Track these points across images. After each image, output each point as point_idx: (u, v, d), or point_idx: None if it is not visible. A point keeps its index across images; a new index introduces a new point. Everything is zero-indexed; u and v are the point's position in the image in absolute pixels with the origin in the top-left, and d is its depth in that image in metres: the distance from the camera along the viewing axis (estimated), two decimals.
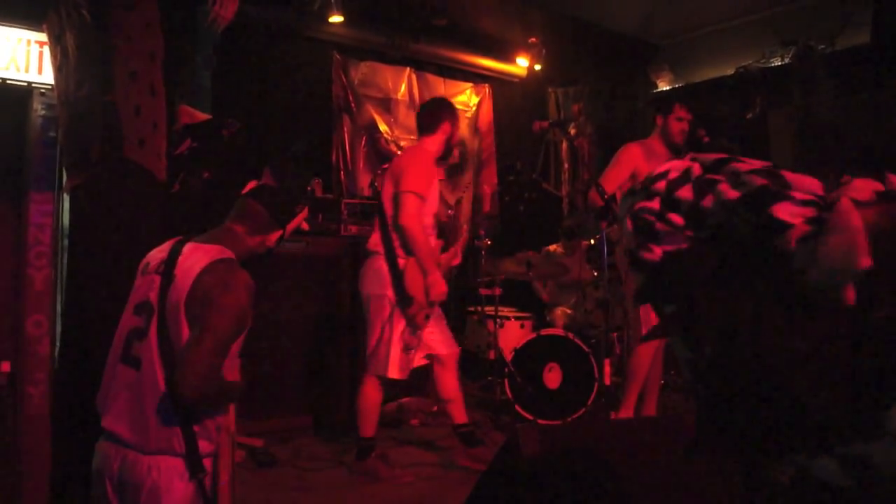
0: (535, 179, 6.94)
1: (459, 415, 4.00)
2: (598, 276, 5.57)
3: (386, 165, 6.16)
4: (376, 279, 3.80)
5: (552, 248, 6.19)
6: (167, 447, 2.12)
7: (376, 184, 5.71)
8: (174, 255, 2.26)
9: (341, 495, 3.62)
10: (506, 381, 4.95)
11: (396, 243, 3.78)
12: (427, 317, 3.80)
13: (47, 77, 3.51)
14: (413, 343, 3.79)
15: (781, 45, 6.22)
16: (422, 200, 3.74)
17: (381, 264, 3.79)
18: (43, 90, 3.56)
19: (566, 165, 7.29)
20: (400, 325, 3.74)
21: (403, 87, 6.48)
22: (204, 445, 2.18)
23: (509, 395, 4.96)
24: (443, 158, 4.08)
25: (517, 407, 4.96)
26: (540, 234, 6.42)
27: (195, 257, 2.23)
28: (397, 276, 3.73)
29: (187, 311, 2.14)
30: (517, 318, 5.54)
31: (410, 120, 6.46)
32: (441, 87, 6.74)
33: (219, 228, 2.43)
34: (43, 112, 3.58)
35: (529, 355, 5.03)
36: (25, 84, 3.55)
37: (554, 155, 7.36)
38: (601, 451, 1.67)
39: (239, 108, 5.08)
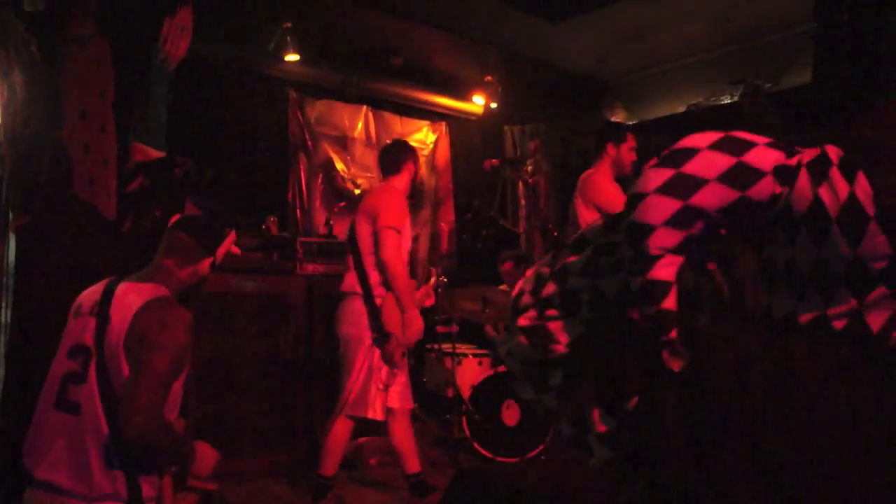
0: (492, 216, 6.97)
1: (411, 465, 3.96)
2: None
3: (343, 203, 6.18)
4: (353, 319, 3.80)
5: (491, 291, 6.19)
6: (111, 492, 2.07)
7: (331, 222, 5.69)
8: (108, 295, 2.23)
9: None
10: (464, 418, 4.92)
11: (373, 281, 3.79)
12: (404, 355, 3.80)
13: None
14: (391, 382, 3.78)
15: (730, 83, 6.38)
16: (400, 236, 3.78)
17: (359, 304, 3.79)
18: None
19: (523, 202, 7.34)
20: (377, 365, 3.74)
21: (360, 126, 6.49)
22: (147, 490, 2.13)
23: (467, 432, 4.92)
24: (410, 197, 4.10)
25: (475, 444, 4.92)
26: (497, 270, 6.43)
27: (130, 297, 2.20)
28: (374, 314, 3.74)
29: (127, 353, 2.12)
30: (475, 356, 5.51)
31: (367, 158, 6.46)
32: (398, 125, 6.77)
33: (150, 266, 2.41)
34: None
35: (487, 392, 5.01)
36: None
37: (511, 192, 7.41)
38: (543, 493, 1.65)
39: (194, 145, 5.04)
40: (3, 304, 3.59)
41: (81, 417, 2.11)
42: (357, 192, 6.32)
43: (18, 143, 3.22)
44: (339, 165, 6.30)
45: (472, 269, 6.63)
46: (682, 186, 1.41)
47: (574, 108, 7.62)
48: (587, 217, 4.24)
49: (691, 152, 1.44)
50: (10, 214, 3.41)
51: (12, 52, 3.13)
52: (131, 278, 2.33)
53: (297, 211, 6.03)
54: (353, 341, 3.80)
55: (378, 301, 3.76)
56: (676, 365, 1.43)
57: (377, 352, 3.75)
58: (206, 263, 2.43)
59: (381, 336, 3.73)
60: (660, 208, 1.42)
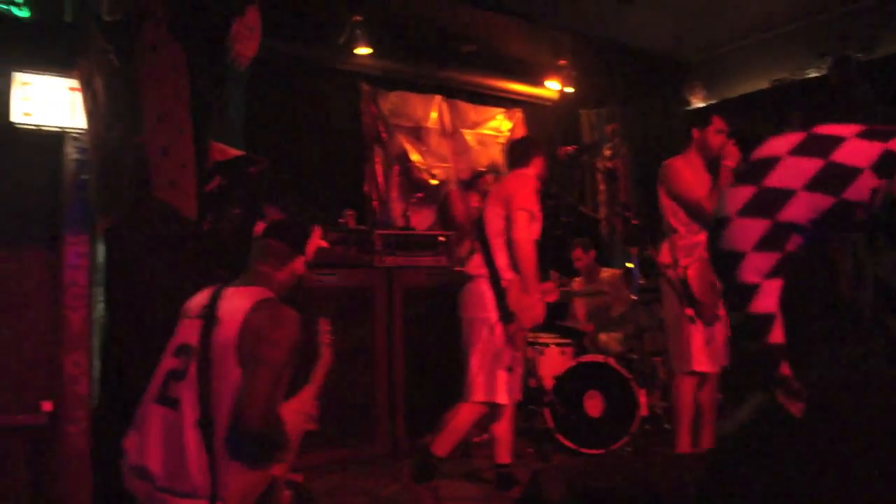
0: (572, 203, 6.86)
1: (503, 455, 3.98)
2: (639, 301, 5.47)
3: (419, 194, 6.18)
4: (479, 302, 3.86)
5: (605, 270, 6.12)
6: (200, 485, 2.20)
7: (408, 213, 5.71)
8: (215, 299, 2.41)
9: None
10: (546, 409, 4.87)
11: (500, 263, 3.84)
12: (525, 339, 3.83)
13: (80, 121, 3.57)
14: (515, 364, 3.81)
15: (817, 55, 6.10)
16: (532, 219, 3.83)
17: (484, 287, 3.85)
18: (75, 134, 3.63)
19: (602, 187, 7.22)
20: (502, 347, 3.77)
21: (434, 115, 6.49)
22: (234, 484, 2.25)
23: (550, 423, 4.87)
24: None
25: (558, 436, 4.86)
26: (569, 257, 6.33)
27: (237, 300, 2.37)
28: (501, 295, 3.78)
29: (238, 351, 2.27)
30: (557, 345, 5.44)
31: (442, 147, 6.46)
32: (472, 113, 6.74)
33: (249, 273, 2.57)
34: (76, 156, 3.63)
35: (570, 383, 4.94)
36: (59, 129, 3.61)
37: (589, 177, 7.29)
38: (624, 493, 1.60)
39: (270, 143, 5.12)
40: (96, 302, 3.73)
41: (179, 412, 2.26)
42: (433, 182, 6.32)
43: (102, 148, 3.32)
44: (415, 156, 6.31)
45: (552, 257, 6.55)
46: (768, 203, 1.30)
47: (652, 90, 7.44)
48: (667, 205, 4.11)
49: (771, 162, 1.32)
50: (98, 216, 3.54)
51: (93, 60, 3.23)
52: (235, 284, 2.49)
53: (374, 203, 6.07)
54: (476, 322, 3.85)
55: (504, 283, 3.80)
56: (797, 409, 1.30)
57: (499, 334, 3.78)
58: (299, 262, 2.61)
59: (507, 316, 3.75)
60: (747, 232, 1.30)
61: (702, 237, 3.94)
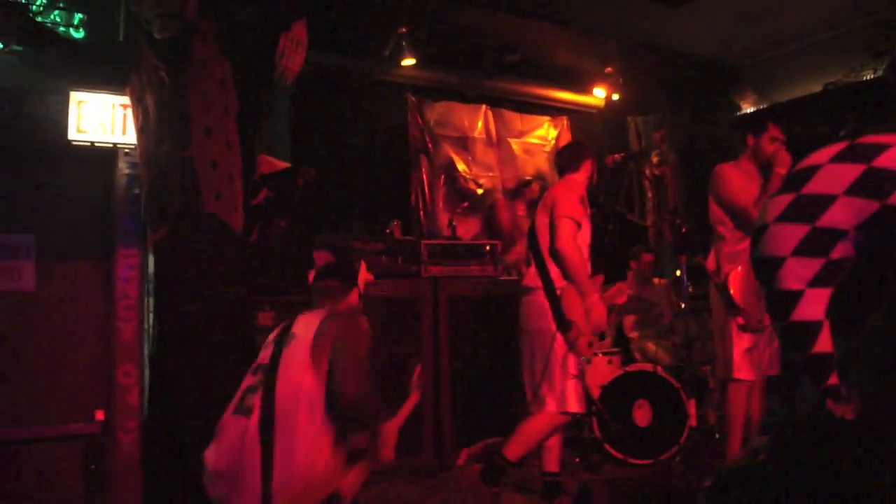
0: (619, 211, 6.80)
1: (550, 463, 3.95)
2: (685, 309, 5.40)
3: (465, 204, 6.19)
4: (537, 313, 3.82)
5: (625, 289, 6.04)
6: (254, 485, 2.43)
7: (454, 223, 5.72)
8: (287, 325, 2.76)
9: None
10: (594, 419, 4.82)
11: (553, 273, 3.79)
12: (590, 344, 3.77)
13: (131, 137, 3.66)
14: (580, 371, 3.79)
15: (872, 57, 5.95)
16: (577, 226, 3.77)
17: (541, 297, 3.81)
18: (127, 150, 3.72)
19: (650, 195, 7.14)
20: (566, 356, 3.73)
21: (480, 125, 6.49)
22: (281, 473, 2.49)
23: (598, 433, 4.82)
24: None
25: (606, 446, 4.81)
26: (625, 265, 6.27)
27: (309, 318, 2.71)
28: (556, 304, 3.74)
29: (312, 356, 2.55)
30: (605, 354, 5.39)
31: (488, 157, 6.46)
32: (518, 122, 6.73)
33: (314, 311, 2.82)
34: (128, 171, 3.73)
35: (618, 392, 4.89)
36: (111, 145, 3.71)
37: (637, 184, 7.21)
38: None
39: (317, 155, 5.19)
40: (147, 312, 3.82)
41: (251, 418, 2.52)
42: (479, 191, 6.32)
43: (152, 163, 3.39)
44: (461, 166, 6.32)
45: (599, 265, 6.49)
46: (807, 208, 1.27)
47: (700, 95, 7.34)
48: (715, 212, 4.06)
49: (811, 171, 1.30)
50: (148, 230, 3.62)
51: (144, 77, 3.31)
52: (304, 313, 2.81)
53: (420, 213, 6.09)
54: (537, 333, 3.82)
55: (558, 292, 3.75)
56: (849, 413, 1.27)
57: (561, 342, 3.73)
58: (354, 295, 2.99)
59: (563, 324, 3.71)
60: (784, 237, 1.28)
61: (746, 244, 3.88)
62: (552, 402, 3.72)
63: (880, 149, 1.28)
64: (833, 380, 1.30)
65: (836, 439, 1.29)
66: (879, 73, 5.88)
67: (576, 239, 3.77)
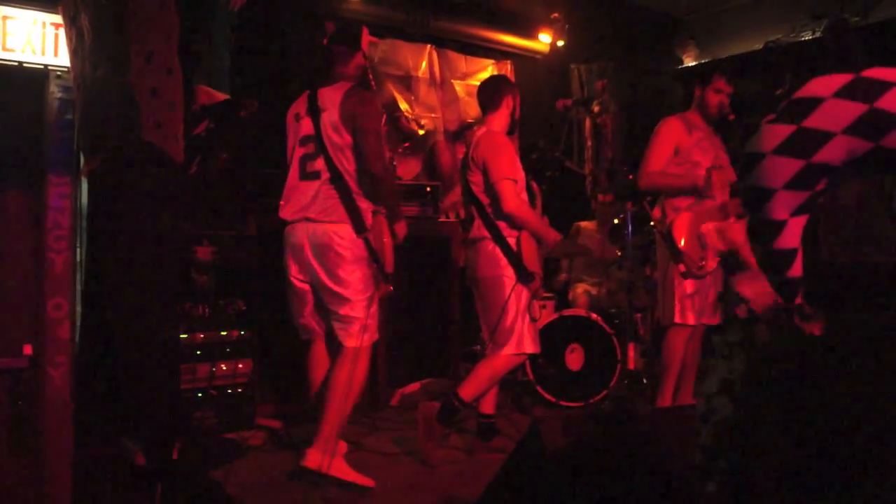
0: (559, 158, 6.83)
1: (487, 405, 4.03)
2: (621, 256, 5.50)
3: (407, 144, 6.12)
4: (490, 261, 3.86)
5: (582, 224, 6.11)
6: (340, 218, 3.36)
7: (394, 163, 5.65)
8: (312, 98, 3.48)
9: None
10: (527, 361, 4.90)
11: (503, 227, 3.84)
12: (542, 286, 3.99)
13: (63, 60, 3.47)
14: (536, 314, 3.91)
15: (812, 18, 6.05)
16: (516, 183, 3.81)
17: (490, 246, 3.86)
18: (59, 73, 3.52)
19: (589, 143, 7.18)
20: (524, 300, 3.82)
21: (424, 65, 6.40)
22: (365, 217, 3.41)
23: (531, 376, 4.92)
24: (509, 133, 4.09)
25: (539, 388, 4.92)
26: (563, 213, 6.32)
27: (330, 93, 3.44)
28: (514, 256, 3.81)
29: (344, 122, 3.35)
30: (539, 299, 5.46)
31: (431, 98, 6.39)
32: (462, 64, 6.65)
33: (331, 79, 3.54)
34: (59, 95, 3.53)
35: (551, 336, 4.98)
36: (42, 67, 3.52)
37: (577, 133, 7.25)
38: (623, 442, 1.61)
39: (257, 87, 5.03)
40: (78, 246, 3.68)
41: (321, 179, 3.40)
42: (421, 132, 6.26)
43: (87, 88, 3.24)
44: (403, 105, 6.24)
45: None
46: (804, 143, 1.29)
47: (643, 46, 7.37)
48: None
49: (814, 102, 1.31)
50: (82, 158, 3.47)
51: None
52: (325, 84, 3.51)
53: None
54: (492, 280, 3.86)
55: (512, 242, 3.82)
56: (817, 328, 1.31)
57: (521, 288, 3.81)
58: (360, 57, 3.58)
59: (526, 275, 3.79)
60: (779, 170, 1.30)
61: (692, 200, 4.02)
62: (510, 344, 3.78)
63: (884, 87, 1.29)
64: (799, 300, 1.35)
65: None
66: (818, 34, 5.99)
67: (519, 195, 3.82)
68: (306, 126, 3.48)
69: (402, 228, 3.59)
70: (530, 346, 3.84)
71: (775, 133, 1.28)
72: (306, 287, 3.54)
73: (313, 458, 3.36)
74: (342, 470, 3.41)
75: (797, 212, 1.28)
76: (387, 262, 3.45)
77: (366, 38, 3.62)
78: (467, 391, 3.77)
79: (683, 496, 1.40)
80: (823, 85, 1.28)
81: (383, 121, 3.50)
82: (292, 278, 3.55)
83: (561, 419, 1.68)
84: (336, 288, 3.41)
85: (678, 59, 7.39)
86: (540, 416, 4.37)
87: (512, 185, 3.78)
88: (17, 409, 3.61)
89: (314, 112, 3.44)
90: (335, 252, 3.38)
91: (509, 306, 3.79)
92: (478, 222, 3.92)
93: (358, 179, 3.44)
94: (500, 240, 3.84)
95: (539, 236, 3.88)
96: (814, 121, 1.25)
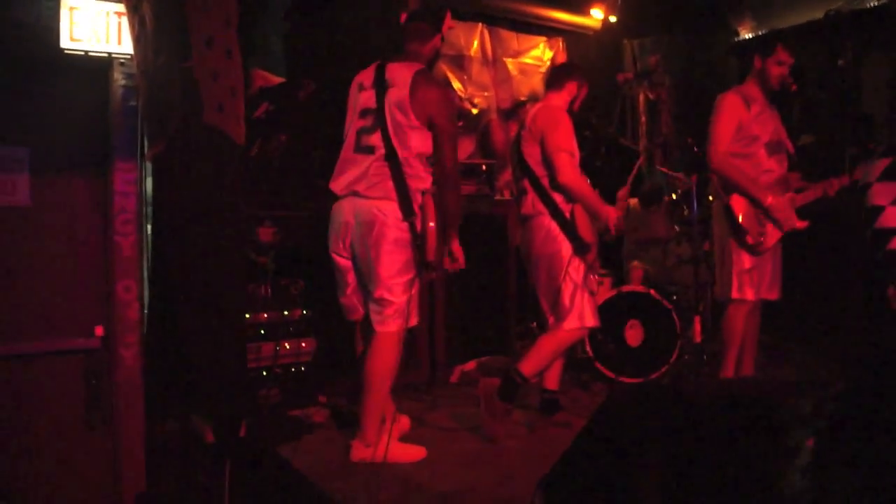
0: (612, 134, 6.76)
1: (551, 381, 4.03)
2: (681, 232, 5.43)
3: (460, 123, 6.10)
4: (546, 237, 3.85)
5: (630, 201, 6.05)
6: (387, 196, 3.25)
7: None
8: (381, 72, 3.35)
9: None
10: (586, 338, 4.89)
11: (559, 199, 3.82)
12: (596, 259, 3.97)
13: (127, 47, 3.55)
14: (594, 287, 3.92)
15: None
16: (572, 156, 3.78)
17: (547, 222, 3.85)
18: (123, 60, 3.61)
19: (643, 119, 7.09)
20: (581, 274, 3.81)
21: (476, 44, 6.38)
22: (416, 197, 3.30)
23: (590, 352, 4.90)
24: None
25: (598, 364, 4.90)
26: (617, 189, 6.26)
27: (400, 68, 3.33)
28: (570, 228, 3.79)
29: (413, 108, 3.24)
30: (598, 275, 5.43)
31: (484, 76, 6.37)
32: (514, 42, 6.61)
33: (403, 52, 3.47)
34: (124, 82, 3.63)
35: (610, 313, 4.94)
36: (106, 55, 3.60)
37: (630, 109, 7.16)
38: (703, 410, 1.60)
39: (312, 70, 5.06)
40: (144, 229, 3.78)
41: (375, 155, 3.28)
42: (475, 111, 6.25)
43: (150, 74, 3.31)
44: (456, 85, 6.22)
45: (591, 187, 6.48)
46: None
47: (698, 20, 7.22)
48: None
49: None
50: (146, 143, 3.55)
51: None
52: (394, 60, 3.40)
53: None
54: (551, 257, 3.84)
55: (567, 215, 3.80)
56: None
57: (578, 262, 3.80)
58: (437, 39, 3.55)
59: (582, 247, 3.78)
60: (883, 192, 1.31)
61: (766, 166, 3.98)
62: (571, 318, 3.78)
63: None
64: None
65: None
66: (882, 1, 5.80)
67: (576, 168, 3.79)
68: (368, 98, 3.35)
69: (456, 247, 3.51)
70: (591, 320, 3.83)
71: (877, 167, 1.30)
72: (348, 264, 3.46)
73: (358, 452, 3.41)
74: (397, 454, 3.42)
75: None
76: (429, 248, 3.31)
77: (448, 22, 3.55)
78: (528, 366, 3.77)
79: (769, 469, 1.38)
80: None
81: (456, 113, 3.43)
82: (335, 255, 3.47)
83: (636, 389, 1.68)
84: (374, 267, 3.30)
85: (734, 31, 7.22)
86: (616, 387, 4.34)
87: (569, 157, 3.74)
88: (91, 388, 3.74)
89: (380, 86, 3.32)
90: (378, 231, 3.26)
91: (568, 281, 3.78)
92: (531, 197, 3.89)
93: (412, 161, 3.31)
94: (556, 212, 3.82)
95: (594, 211, 3.82)
96: None
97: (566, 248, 3.79)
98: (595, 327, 3.92)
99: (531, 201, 3.89)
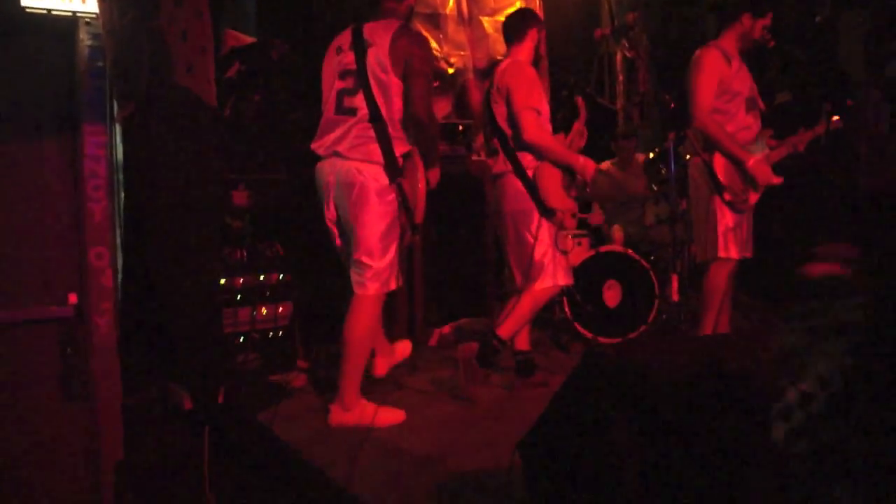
0: (589, 94, 6.70)
1: (521, 342, 4.02)
2: (658, 191, 5.42)
3: (436, 84, 6.02)
4: (515, 195, 3.81)
5: (604, 165, 6.03)
6: (371, 158, 3.20)
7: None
8: (358, 33, 3.30)
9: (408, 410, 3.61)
10: (564, 299, 4.89)
11: (525, 158, 3.77)
12: (574, 215, 3.85)
13: (92, 5, 3.44)
14: (566, 246, 3.86)
15: None
16: (538, 114, 3.72)
17: (515, 180, 3.80)
18: (88, 19, 3.50)
19: (620, 77, 7.04)
20: (551, 234, 3.78)
21: (451, 2, 6.26)
22: (399, 160, 3.25)
23: (568, 313, 4.91)
24: (534, 65, 3.99)
25: (576, 325, 4.91)
26: (595, 149, 6.22)
27: (378, 28, 3.29)
28: (532, 188, 3.75)
29: (392, 64, 3.20)
30: (574, 236, 5.41)
31: (460, 35, 6.26)
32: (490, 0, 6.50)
33: (377, 10, 3.41)
34: (90, 42, 3.52)
35: (588, 273, 4.95)
36: (70, 14, 3.49)
37: (608, 67, 7.09)
38: (681, 365, 1.60)
39: (284, 30, 4.96)
40: (116, 194, 3.71)
41: (358, 116, 3.23)
42: (451, 70, 6.16)
43: (117, 33, 3.22)
44: (432, 44, 6.11)
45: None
46: None
47: None
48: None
49: None
50: (115, 105, 3.47)
51: None
52: (370, 20, 3.36)
53: None
54: (518, 214, 3.82)
55: (530, 174, 3.75)
56: None
57: (545, 220, 3.76)
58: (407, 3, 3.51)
59: (546, 211, 3.74)
60: None
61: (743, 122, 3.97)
62: (544, 277, 3.77)
63: None
64: None
65: None
66: None
67: (541, 125, 3.74)
68: (348, 59, 3.31)
69: (435, 175, 3.49)
70: (563, 278, 3.82)
71: None
72: (334, 228, 3.46)
73: (337, 416, 3.40)
74: (374, 417, 3.41)
75: None
76: (418, 210, 3.34)
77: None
78: (505, 329, 3.77)
79: (753, 424, 1.37)
80: None
81: (432, 61, 3.38)
82: (326, 220, 3.46)
83: (616, 346, 1.67)
84: (355, 229, 3.29)
85: None
86: (595, 345, 4.37)
87: (533, 114, 3.69)
88: (67, 358, 3.69)
89: (359, 46, 3.27)
90: (357, 192, 3.24)
91: (539, 240, 3.76)
92: (501, 156, 3.86)
93: (396, 122, 3.30)
94: (519, 171, 3.77)
95: (568, 165, 3.76)
96: None
97: (534, 207, 3.76)
98: (568, 285, 3.92)
99: (501, 160, 3.86)
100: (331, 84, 3.38)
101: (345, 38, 3.39)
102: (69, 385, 3.73)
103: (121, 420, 3.70)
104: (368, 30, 3.31)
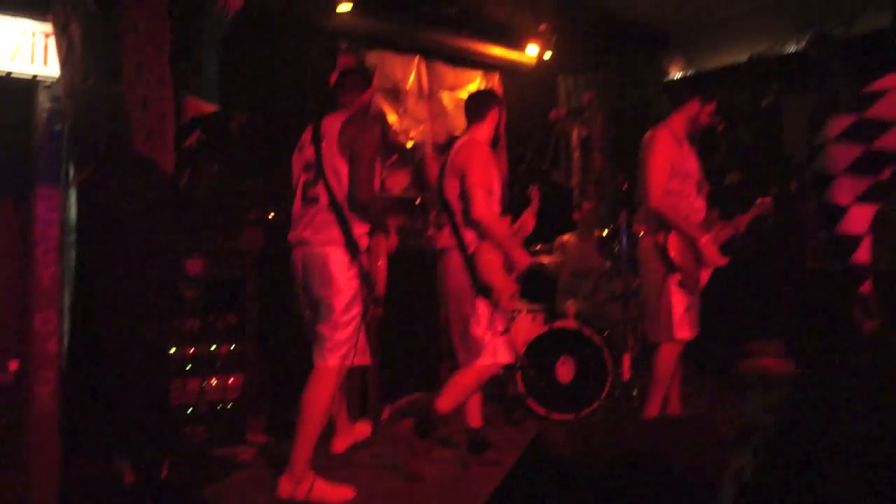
0: (546, 171, 6.84)
1: (473, 418, 4.02)
2: (612, 267, 5.49)
3: (395, 157, 6.10)
4: (457, 273, 3.84)
5: (565, 237, 6.11)
6: (331, 241, 3.41)
7: (383, 176, 5.64)
8: (317, 128, 3.56)
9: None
10: (518, 374, 4.89)
11: (467, 237, 3.81)
12: (511, 296, 3.86)
13: (53, 69, 3.43)
14: (508, 326, 3.88)
15: (796, 30, 6.11)
16: (489, 193, 3.77)
17: (457, 256, 3.84)
18: (48, 83, 3.49)
19: (576, 155, 7.20)
20: (493, 314, 3.78)
21: (412, 77, 6.39)
22: (360, 238, 3.47)
23: (521, 388, 4.90)
24: (492, 145, 4.06)
25: (529, 401, 4.89)
26: (549, 226, 6.31)
27: (333, 121, 3.52)
28: (470, 265, 3.77)
29: (341, 152, 3.43)
30: (529, 311, 5.45)
31: (420, 110, 6.37)
32: (451, 76, 6.64)
33: (336, 105, 3.67)
34: (49, 105, 3.51)
35: (542, 348, 4.96)
36: (31, 77, 3.48)
37: (564, 144, 7.25)
38: (633, 450, 1.60)
39: (246, 100, 4.98)
40: (67, 259, 3.63)
41: (318, 205, 3.46)
42: (409, 144, 6.24)
43: (77, 97, 3.21)
44: (392, 118, 6.21)
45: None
46: (865, 130, 1.31)
47: (630, 58, 7.40)
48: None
49: (877, 95, 1.34)
50: (72, 169, 3.43)
51: (69, 5, 3.11)
52: (328, 115, 3.60)
53: None
54: (460, 291, 3.83)
55: (470, 251, 3.78)
56: (869, 325, 1.31)
57: (481, 299, 3.77)
58: (368, 93, 3.77)
59: (483, 290, 3.75)
60: (840, 156, 1.32)
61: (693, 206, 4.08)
62: (485, 354, 3.76)
63: None
64: (866, 288, 1.35)
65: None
66: (801, 47, 6.04)
67: (490, 205, 3.79)
68: (308, 153, 3.56)
69: (393, 241, 3.72)
70: (505, 356, 3.82)
71: (838, 124, 1.30)
72: (307, 311, 3.60)
73: (286, 488, 3.37)
74: (324, 493, 3.39)
75: (860, 199, 1.29)
76: (378, 284, 3.55)
77: (376, 79, 3.73)
78: (444, 403, 3.75)
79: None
80: (891, 78, 1.31)
81: (377, 146, 3.59)
82: (300, 300, 3.63)
83: (566, 428, 1.67)
84: (320, 305, 3.46)
85: (664, 71, 7.42)
86: (545, 426, 4.36)
87: (485, 193, 3.75)
88: (3, 424, 3.55)
89: (317, 140, 3.52)
90: (321, 271, 3.42)
91: (478, 317, 3.76)
92: (447, 231, 3.89)
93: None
94: (461, 247, 3.82)
95: (506, 252, 3.80)
96: (876, 110, 1.27)
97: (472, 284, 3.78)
98: (510, 364, 3.93)
99: (447, 234, 3.89)
100: (297, 178, 3.63)
101: (307, 134, 3.65)
102: (4, 452, 3.59)
103: (57, 491, 3.55)
104: (325, 124, 3.56)
